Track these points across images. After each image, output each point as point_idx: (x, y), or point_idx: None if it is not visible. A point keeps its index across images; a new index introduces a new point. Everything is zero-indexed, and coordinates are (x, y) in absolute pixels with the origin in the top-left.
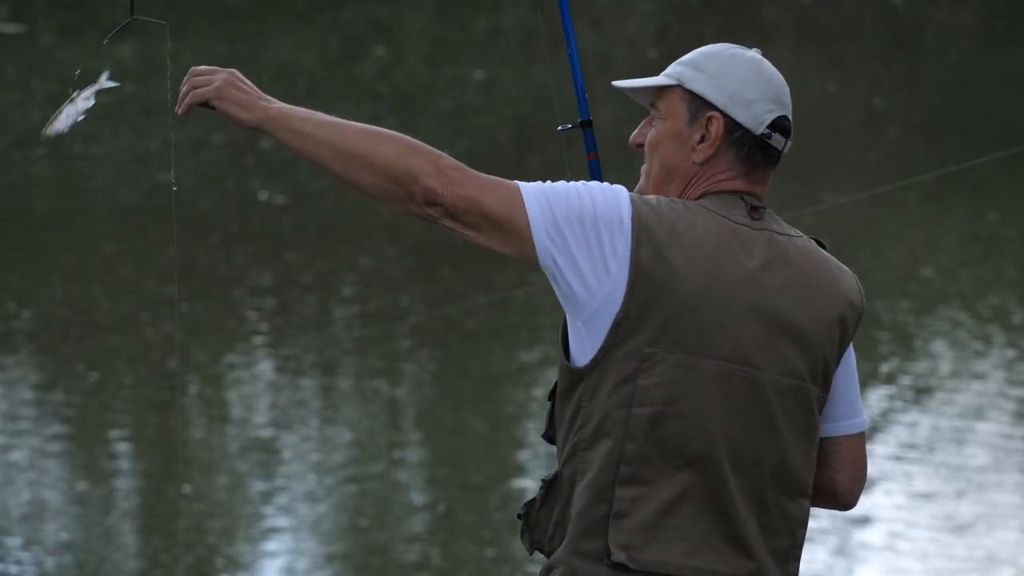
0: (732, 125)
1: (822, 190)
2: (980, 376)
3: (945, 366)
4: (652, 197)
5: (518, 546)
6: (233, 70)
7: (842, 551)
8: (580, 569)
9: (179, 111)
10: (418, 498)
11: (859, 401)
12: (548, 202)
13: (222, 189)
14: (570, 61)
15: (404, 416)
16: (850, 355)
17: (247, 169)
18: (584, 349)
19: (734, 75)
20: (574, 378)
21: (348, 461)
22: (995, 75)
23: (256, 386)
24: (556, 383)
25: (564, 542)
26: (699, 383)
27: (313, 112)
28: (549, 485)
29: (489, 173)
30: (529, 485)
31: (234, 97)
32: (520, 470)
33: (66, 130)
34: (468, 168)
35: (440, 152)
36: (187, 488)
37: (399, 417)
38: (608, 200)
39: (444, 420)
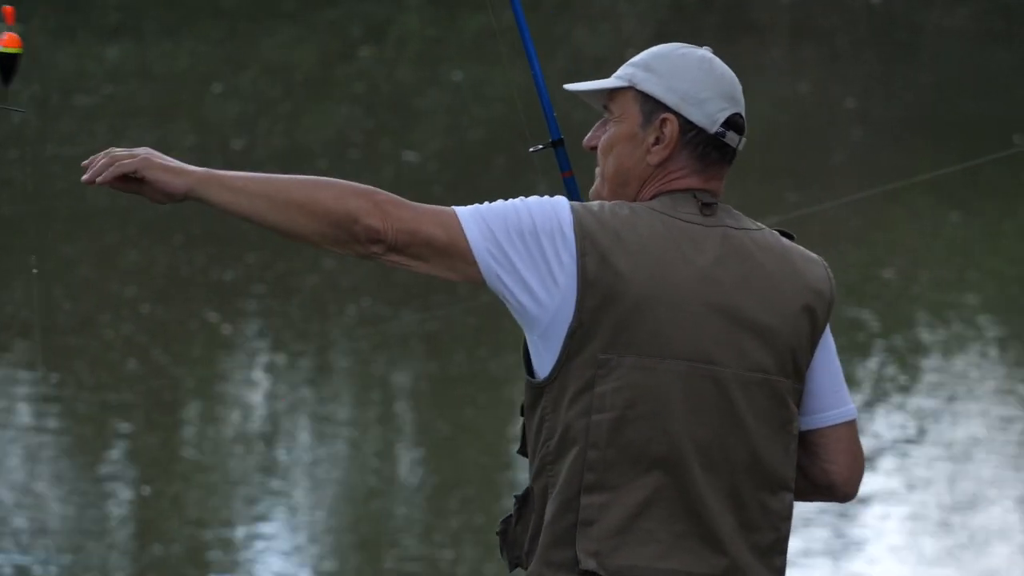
0: (686, 125)
1: (785, 191)
2: (943, 376)
3: (906, 366)
4: (595, 203)
5: (476, 549)
6: (149, 148)
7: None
8: None
9: (98, 180)
10: (376, 500)
11: (843, 390)
12: (486, 222)
13: None
14: (535, 82)
15: (363, 418)
16: (827, 345)
17: None
18: (543, 362)
19: (685, 74)
20: (536, 392)
21: (306, 463)
22: (985, 76)
23: (218, 387)
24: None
25: (536, 554)
26: (657, 384)
27: (241, 172)
28: (522, 501)
29: (457, 172)
30: (491, 489)
31: (160, 165)
32: (480, 473)
33: None
34: (404, 200)
35: (374, 188)
36: (147, 490)
37: (358, 419)
38: (547, 212)
39: (404, 423)
